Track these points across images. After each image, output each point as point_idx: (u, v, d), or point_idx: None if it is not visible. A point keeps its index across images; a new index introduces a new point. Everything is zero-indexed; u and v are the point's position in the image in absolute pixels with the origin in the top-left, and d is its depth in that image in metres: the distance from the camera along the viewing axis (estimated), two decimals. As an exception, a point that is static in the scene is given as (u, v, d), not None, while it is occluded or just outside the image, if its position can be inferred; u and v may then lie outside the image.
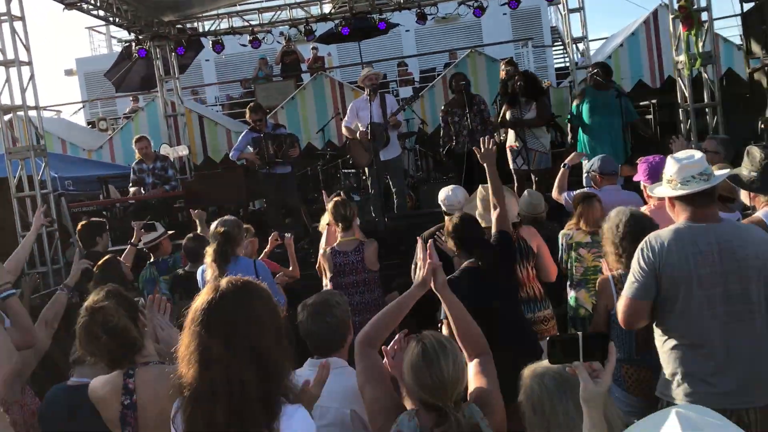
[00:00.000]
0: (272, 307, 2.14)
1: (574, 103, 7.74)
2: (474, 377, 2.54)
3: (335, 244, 5.15)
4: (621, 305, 3.04)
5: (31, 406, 4.09)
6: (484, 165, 4.09)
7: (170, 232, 6.18)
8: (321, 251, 5.26)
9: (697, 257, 2.84)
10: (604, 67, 7.73)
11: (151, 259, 6.02)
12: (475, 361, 2.59)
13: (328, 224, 5.33)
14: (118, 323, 2.61)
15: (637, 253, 2.97)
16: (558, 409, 2.03)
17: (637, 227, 3.39)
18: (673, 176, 2.96)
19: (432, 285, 2.70)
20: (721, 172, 3.09)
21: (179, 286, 5.19)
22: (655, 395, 3.03)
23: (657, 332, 3.01)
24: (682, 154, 3.06)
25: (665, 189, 3.03)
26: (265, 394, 2.01)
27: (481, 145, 4.12)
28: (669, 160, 3.04)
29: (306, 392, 2.26)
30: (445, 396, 2.27)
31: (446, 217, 4.83)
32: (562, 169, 5.60)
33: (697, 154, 3.00)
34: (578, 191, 5.01)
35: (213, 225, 4.70)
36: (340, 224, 5.12)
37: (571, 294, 4.78)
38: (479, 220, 4.46)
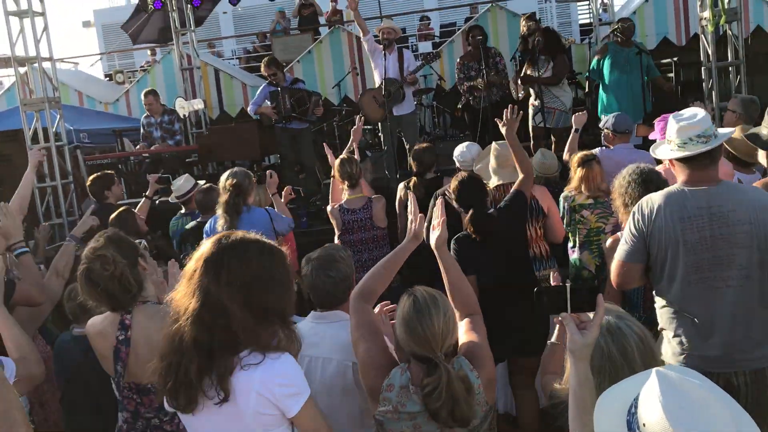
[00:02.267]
0: (274, 262, 2.15)
1: (595, 59, 7.65)
2: (464, 334, 2.56)
3: (343, 201, 5.14)
4: (613, 266, 3.06)
5: (42, 353, 4.17)
6: (504, 131, 4.02)
7: (201, 183, 6.16)
8: (328, 207, 5.26)
9: (685, 222, 2.81)
10: (626, 22, 7.59)
11: (183, 210, 6.05)
12: (466, 319, 2.62)
13: (332, 177, 5.32)
14: (114, 271, 2.68)
15: (630, 216, 2.98)
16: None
17: (645, 180, 3.36)
18: (673, 137, 2.91)
19: (431, 242, 2.71)
20: (724, 131, 2.99)
21: (190, 236, 5.23)
22: None
23: (655, 294, 3.02)
24: (684, 112, 2.98)
25: (665, 150, 2.98)
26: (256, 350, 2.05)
27: (505, 116, 4.04)
28: (670, 119, 2.97)
29: None
30: (435, 347, 2.29)
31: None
32: (572, 134, 5.51)
33: (700, 114, 2.91)
34: (579, 153, 4.94)
35: (223, 177, 4.71)
36: (346, 182, 5.11)
37: (574, 256, 4.76)
38: (492, 176, 4.42)
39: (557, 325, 2.70)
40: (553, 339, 2.70)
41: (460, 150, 5.34)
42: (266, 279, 2.10)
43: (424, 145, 5.74)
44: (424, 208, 4.85)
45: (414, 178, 5.44)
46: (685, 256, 2.81)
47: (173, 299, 2.12)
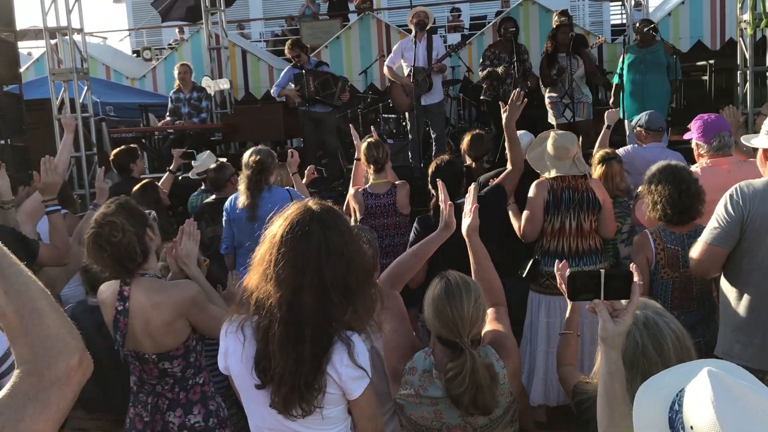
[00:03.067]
0: (357, 239, 2.13)
1: (620, 59, 7.61)
2: (489, 323, 2.52)
3: (367, 185, 5.09)
4: (697, 251, 2.93)
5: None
6: (504, 117, 3.97)
7: (222, 160, 6.14)
8: (351, 190, 5.21)
9: None
10: (649, 23, 7.53)
11: (203, 187, 6.04)
12: (491, 309, 2.58)
13: (357, 159, 5.26)
14: (122, 238, 2.69)
15: (725, 199, 2.84)
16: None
17: (674, 176, 3.30)
18: None
19: (463, 229, 2.67)
20: None
21: (205, 212, 5.22)
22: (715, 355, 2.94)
23: (727, 285, 2.90)
24: None
25: (764, 139, 2.87)
26: (343, 327, 2.02)
27: (510, 100, 3.98)
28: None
29: None
30: (462, 332, 2.25)
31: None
32: (604, 130, 5.41)
33: None
34: (600, 151, 4.84)
35: (246, 154, 4.68)
36: (371, 166, 5.07)
37: None
38: (549, 166, 4.30)
39: (566, 315, 2.65)
40: (564, 329, 2.65)
41: None
42: (361, 249, 2.08)
43: (477, 131, 5.70)
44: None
45: (473, 164, 5.35)
46: None
47: (248, 288, 2.06)
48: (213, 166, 5.92)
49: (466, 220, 2.67)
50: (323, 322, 1.99)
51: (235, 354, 2.11)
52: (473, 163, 5.40)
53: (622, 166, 4.73)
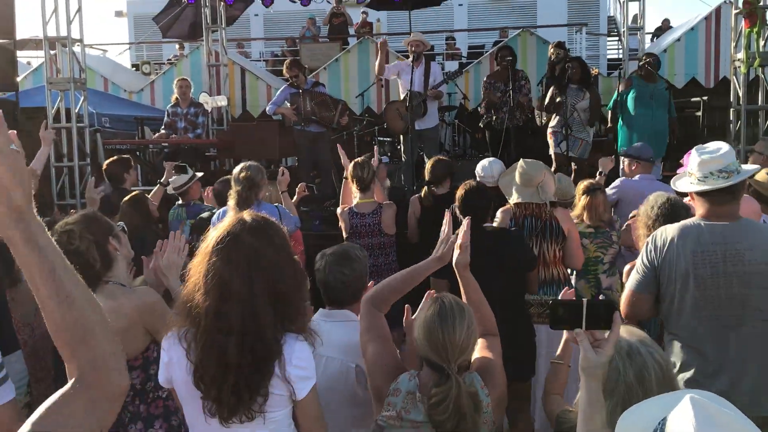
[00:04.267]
0: (291, 250, 2.18)
1: (618, 90, 7.63)
2: (479, 351, 2.50)
3: (353, 204, 5.11)
4: (624, 296, 3.01)
5: (41, 328, 4.14)
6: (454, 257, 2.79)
7: (199, 175, 6.14)
8: (339, 208, 5.22)
9: (697, 255, 2.74)
10: (655, 58, 7.57)
11: (180, 201, 6.03)
12: (482, 339, 2.55)
13: (345, 178, 5.28)
14: (78, 246, 2.70)
15: (643, 247, 2.93)
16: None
17: (671, 212, 3.29)
18: (694, 170, 2.84)
19: (453, 262, 2.65)
20: (748, 167, 2.92)
21: (202, 227, 5.19)
22: None
23: (665, 327, 2.97)
24: (708, 145, 2.90)
25: (685, 182, 2.92)
26: (277, 334, 2.06)
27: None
28: (693, 152, 2.90)
29: None
30: (451, 358, 2.23)
31: None
32: (598, 176, 5.45)
33: (724, 148, 2.83)
34: (585, 182, 4.88)
35: (236, 169, 4.68)
36: (357, 185, 5.08)
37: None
38: (515, 195, 4.35)
39: (561, 344, 2.63)
40: (557, 357, 2.63)
41: (482, 165, 5.34)
42: (291, 259, 2.12)
43: (440, 157, 5.73)
44: (436, 216, 4.83)
45: (425, 188, 5.44)
46: (696, 291, 2.75)
47: (182, 298, 2.11)
48: (187, 179, 5.92)
49: (457, 254, 2.64)
50: (254, 330, 2.02)
51: (179, 364, 2.13)
52: (425, 187, 5.47)
53: (606, 196, 4.76)
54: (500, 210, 4.45)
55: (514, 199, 4.33)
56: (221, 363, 2.02)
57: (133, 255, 3.01)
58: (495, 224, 4.33)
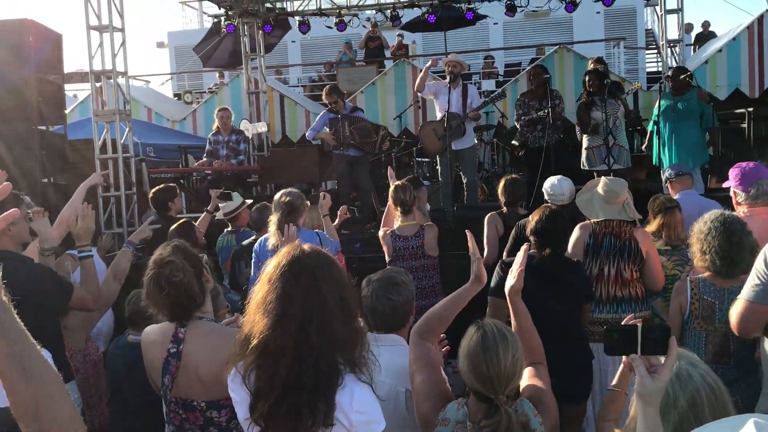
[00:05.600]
0: (347, 281, 2.15)
1: (655, 106, 7.59)
2: (529, 379, 2.47)
3: (396, 227, 5.11)
4: (738, 309, 2.79)
5: (92, 356, 4.24)
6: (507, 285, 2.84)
7: (249, 201, 6.21)
8: (380, 232, 5.23)
9: None
10: (683, 70, 7.50)
11: (229, 228, 6.11)
12: (530, 367, 2.52)
13: (389, 202, 5.30)
14: (183, 278, 2.64)
15: (764, 253, 2.70)
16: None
17: (728, 230, 3.20)
18: None
19: (506, 289, 2.66)
20: None
21: (244, 254, 5.26)
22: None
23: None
24: None
25: None
26: (331, 364, 2.00)
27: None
28: None
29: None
30: (498, 388, 2.19)
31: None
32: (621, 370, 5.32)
33: None
34: (659, 198, 4.80)
35: (277, 195, 4.73)
36: (399, 208, 5.10)
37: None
38: (597, 210, 4.30)
39: (619, 371, 2.57)
40: (614, 384, 2.56)
41: (550, 182, 5.19)
42: (352, 291, 2.12)
43: (512, 176, 5.72)
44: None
45: (505, 208, 5.41)
46: None
47: (247, 321, 2.07)
48: (238, 205, 6.00)
49: (510, 281, 2.63)
50: (307, 354, 1.97)
51: (243, 402, 2.09)
52: (506, 209, 5.41)
53: (683, 215, 4.63)
54: (579, 225, 4.39)
55: (597, 216, 4.27)
56: (275, 385, 1.97)
57: (213, 286, 2.97)
58: (572, 240, 4.28)
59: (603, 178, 4.46)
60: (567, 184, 5.14)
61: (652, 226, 4.65)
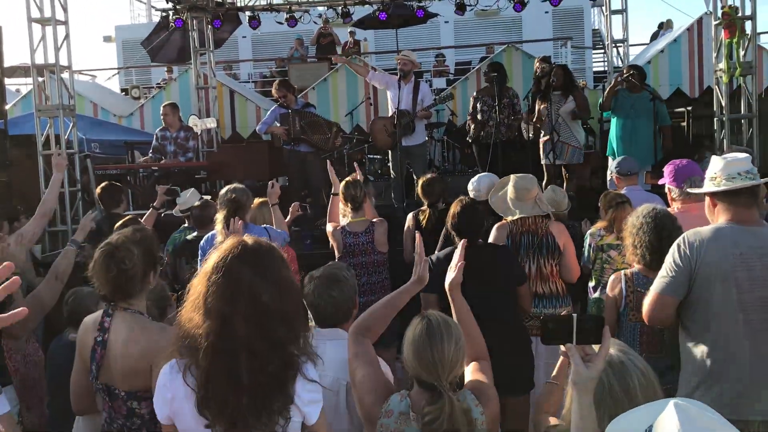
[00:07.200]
0: (291, 271, 2.15)
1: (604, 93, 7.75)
2: (473, 374, 2.52)
3: (345, 224, 5.13)
4: (649, 300, 2.95)
5: (33, 356, 4.14)
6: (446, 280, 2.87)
7: (208, 197, 6.13)
8: (329, 227, 5.22)
9: (737, 258, 2.74)
10: (638, 69, 7.68)
11: (186, 224, 6.03)
12: (474, 363, 2.56)
13: (334, 194, 5.30)
14: (130, 269, 2.69)
15: (673, 249, 2.87)
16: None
17: (658, 226, 3.31)
18: (718, 173, 2.87)
19: (446, 284, 2.70)
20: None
21: (186, 250, 5.21)
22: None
23: (684, 333, 2.93)
24: (728, 154, 2.98)
25: (708, 186, 2.93)
26: (289, 355, 2.01)
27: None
28: (714, 158, 2.95)
29: None
30: (442, 375, 2.24)
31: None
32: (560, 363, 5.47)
33: (743, 154, 2.91)
34: (610, 194, 4.93)
35: (222, 191, 4.70)
36: (349, 204, 5.10)
37: (595, 295, 4.67)
38: (512, 208, 4.38)
39: (557, 363, 2.64)
40: (553, 377, 2.63)
41: (472, 181, 5.37)
42: (293, 279, 2.10)
43: (432, 175, 5.74)
44: (437, 237, 4.85)
45: (427, 209, 5.43)
46: (735, 294, 2.74)
47: (184, 319, 2.04)
48: (197, 203, 5.93)
49: (450, 275, 2.68)
50: (264, 349, 1.96)
51: (187, 399, 2.04)
52: (427, 208, 5.45)
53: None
54: (496, 226, 4.46)
55: (513, 214, 4.34)
56: (230, 385, 1.94)
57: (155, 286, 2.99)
58: (491, 241, 4.35)
59: (512, 176, 4.54)
60: (486, 180, 5.28)
61: (603, 222, 4.74)
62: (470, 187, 5.38)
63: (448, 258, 3.80)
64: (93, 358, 2.72)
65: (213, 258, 2.06)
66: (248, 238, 2.12)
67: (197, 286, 2.04)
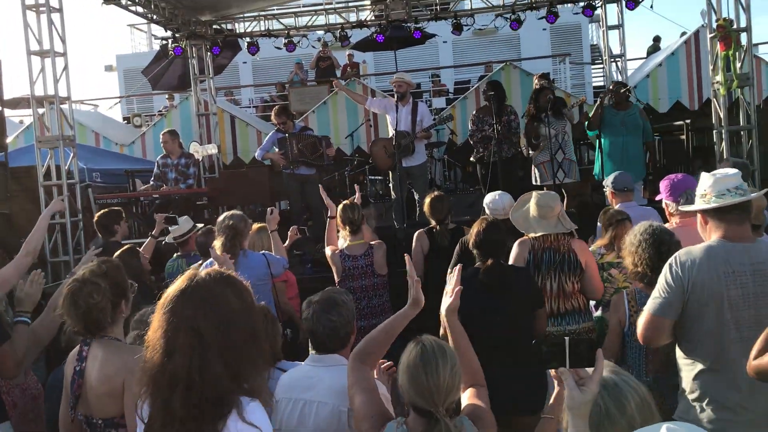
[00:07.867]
0: (250, 304, 2.06)
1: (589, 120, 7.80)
2: (469, 399, 2.49)
3: (344, 247, 5.10)
4: (642, 321, 2.92)
5: (32, 389, 4.10)
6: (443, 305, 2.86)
7: (200, 226, 6.14)
8: (327, 251, 5.20)
9: (729, 277, 2.71)
10: (623, 85, 7.74)
11: (179, 252, 6.02)
12: (470, 389, 2.54)
13: (331, 218, 5.29)
14: (98, 303, 2.71)
15: (665, 269, 2.85)
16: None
17: (656, 238, 3.29)
18: (708, 190, 2.85)
19: (442, 309, 2.68)
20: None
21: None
22: (673, 419, 2.90)
23: (680, 353, 2.89)
24: (717, 171, 2.95)
25: (698, 203, 2.91)
26: (227, 391, 1.93)
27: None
28: (703, 175, 2.92)
29: None
30: (438, 401, 2.21)
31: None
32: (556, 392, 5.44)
33: (733, 170, 2.88)
34: (610, 211, 4.89)
35: (220, 218, 4.70)
36: (347, 227, 5.09)
37: (597, 313, 4.62)
38: (534, 226, 4.34)
39: (554, 392, 2.58)
40: (547, 412, 2.57)
41: (491, 197, 5.26)
42: (248, 314, 2.02)
43: (439, 193, 5.70)
44: (449, 255, 4.82)
45: (437, 226, 5.39)
46: (728, 313, 2.71)
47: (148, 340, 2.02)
48: (188, 229, 5.93)
49: (446, 300, 2.65)
50: (200, 384, 1.91)
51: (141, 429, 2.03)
52: (437, 226, 5.41)
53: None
54: (517, 242, 4.42)
55: (535, 231, 4.31)
56: (166, 416, 1.91)
57: (128, 314, 3.00)
58: (512, 257, 4.32)
59: (534, 193, 4.50)
60: (507, 198, 5.20)
61: (604, 240, 4.70)
62: (490, 205, 5.25)
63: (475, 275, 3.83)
64: (72, 388, 2.73)
65: (168, 290, 2.04)
66: (205, 271, 2.06)
67: (154, 319, 2.02)
